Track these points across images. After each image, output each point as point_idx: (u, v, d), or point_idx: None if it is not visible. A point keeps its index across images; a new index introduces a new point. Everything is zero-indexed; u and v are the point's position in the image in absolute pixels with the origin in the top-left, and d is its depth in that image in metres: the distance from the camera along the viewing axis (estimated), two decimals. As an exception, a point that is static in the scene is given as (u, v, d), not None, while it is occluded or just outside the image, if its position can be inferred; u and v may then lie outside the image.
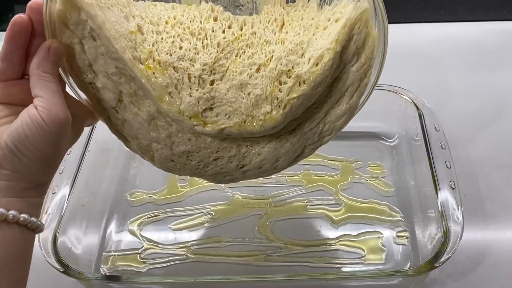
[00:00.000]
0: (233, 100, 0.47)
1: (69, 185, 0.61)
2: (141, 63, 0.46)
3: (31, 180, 0.42)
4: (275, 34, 0.48)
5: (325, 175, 0.69)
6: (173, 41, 0.46)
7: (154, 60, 0.46)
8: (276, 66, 0.46)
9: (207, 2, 0.49)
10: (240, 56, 0.47)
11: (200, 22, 0.47)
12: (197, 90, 0.47)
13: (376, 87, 0.70)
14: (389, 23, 0.46)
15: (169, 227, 0.65)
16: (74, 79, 0.46)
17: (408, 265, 0.59)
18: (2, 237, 0.40)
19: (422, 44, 0.89)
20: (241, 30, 0.48)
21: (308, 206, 0.66)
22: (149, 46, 0.46)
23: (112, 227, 0.65)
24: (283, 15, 0.48)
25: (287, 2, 0.49)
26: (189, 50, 0.46)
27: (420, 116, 0.67)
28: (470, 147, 0.72)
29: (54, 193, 0.60)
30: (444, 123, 0.67)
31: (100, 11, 0.44)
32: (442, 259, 0.52)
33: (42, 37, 0.43)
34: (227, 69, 0.47)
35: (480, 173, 0.69)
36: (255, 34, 0.48)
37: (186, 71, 0.46)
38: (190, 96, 0.47)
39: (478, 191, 0.67)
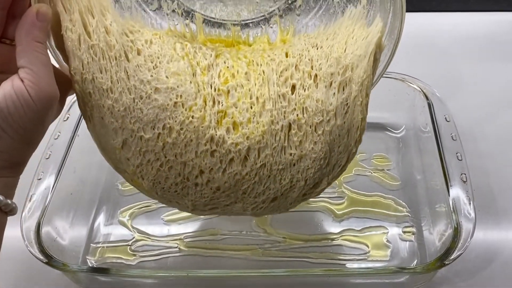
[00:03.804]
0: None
1: (56, 171, 0.58)
2: (127, 172, 0.44)
3: (9, 159, 0.38)
4: (285, 152, 0.43)
5: (328, 166, 0.66)
6: (158, 170, 0.43)
7: (139, 178, 0.44)
8: (301, 192, 0.45)
9: None
10: (249, 193, 0.44)
11: (196, 154, 0.42)
12: (193, 210, 0.46)
13: (382, 75, 0.67)
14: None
15: (162, 218, 0.61)
16: (58, 48, 0.43)
17: (415, 262, 0.56)
18: None
19: (431, 34, 0.86)
20: (246, 161, 0.43)
21: (309, 199, 0.63)
22: (133, 167, 0.43)
23: (101, 217, 0.62)
24: (285, 113, 0.43)
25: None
26: (176, 185, 0.43)
27: (430, 106, 0.63)
28: (480, 140, 0.69)
29: (40, 179, 0.57)
30: (453, 114, 0.63)
31: (90, 122, 0.42)
32: (452, 256, 0.49)
33: None
34: (232, 204, 0.45)
35: (491, 168, 0.66)
36: (264, 166, 0.43)
37: (173, 200, 0.45)
38: (187, 202, 0.46)
39: (489, 186, 0.64)
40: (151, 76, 0.42)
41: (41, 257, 0.51)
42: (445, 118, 0.61)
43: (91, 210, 0.62)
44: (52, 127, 0.47)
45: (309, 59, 0.44)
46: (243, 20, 0.49)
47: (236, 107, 0.43)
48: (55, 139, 0.60)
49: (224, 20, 0.49)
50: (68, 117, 0.63)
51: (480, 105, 0.74)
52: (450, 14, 0.89)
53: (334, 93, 0.43)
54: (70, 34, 0.40)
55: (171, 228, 0.60)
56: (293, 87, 0.44)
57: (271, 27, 0.49)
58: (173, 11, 0.48)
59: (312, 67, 0.43)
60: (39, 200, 0.55)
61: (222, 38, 0.49)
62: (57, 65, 0.44)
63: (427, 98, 0.64)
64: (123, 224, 0.61)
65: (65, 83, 0.42)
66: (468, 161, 0.57)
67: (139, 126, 0.42)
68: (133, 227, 0.60)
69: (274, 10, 0.48)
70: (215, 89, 0.43)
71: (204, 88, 0.43)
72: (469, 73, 0.80)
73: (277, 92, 0.43)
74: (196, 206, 0.45)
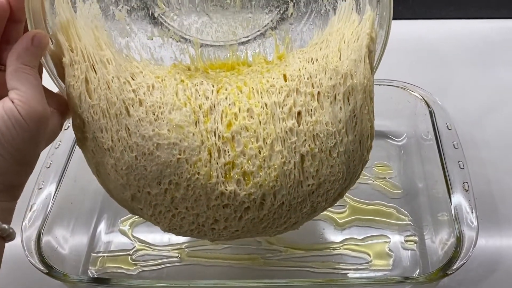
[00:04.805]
0: None
1: (56, 180, 0.58)
2: (143, 217, 0.45)
3: (4, 182, 0.38)
4: (302, 186, 0.43)
5: (329, 175, 0.66)
6: (171, 219, 0.43)
7: (155, 223, 0.45)
8: (322, 210, 0.46)
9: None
10: (270, 227, 0.45)
11: (207, 207, 0.42)
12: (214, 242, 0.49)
13: (383, 83, 0.67)
14: (397, 18, 0.44)
15: (163, 227, 0.61)
16: (58, 73, 0.43)
17: (417, 272, 0.55)
18: None
19: (432, 42, 0.86)
20: (262, 205, 0.42)
21: (310, 207, 0.62)
22: (147, 215, 0.44)
23: (102, 226, 0.61)
24: (296, 148, 0.42)
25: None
26: (192, 231, 0.44)
27: (431, 114, 0.63)
28: (481, 148, 0.69)
29: (40, 188, 0.57)
30: (454, 122, 0.63)
31: (99, 177, 0.43)
32: (455, 266, 0.49)
33: (22, 23, 0.39)
34: (254, 235, 0.46)
35: (492, 176, 0.65)
36: (283, 204, 0.43)
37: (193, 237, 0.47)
38: (207, 239, 0.47)
39: (491, 195, 0.63)
40: (153, 131, 0.41)
41: (41, 267, 0.50)
42: (447, 126, 0.61)
43: (91, 219, 0.62)
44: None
45: (308, 78, 0.43)
46: (239, 38, 0.49)
47: (244, 155, 0.41)
48: (56, 148, 0.60)
49: (222, 41, 0.48)
50: (68, 126, 0.63)
51: (482, 112, 0.74)
52: (451, 21, 0.89)
53: (340, 107, 0.42)
54: (72, 91, 0.40)
55: (172, 237, 0.60)
56: (299, 114, 0.42)
57: (267, 40, 0.49)
58: (171, 38, 0.48)
59: (313, 85, 0.42)
60: (40, 209, 0.55)
61: (221, 62, 0.48)
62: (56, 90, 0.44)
63: (428, 106, 0.64)
64: (123, 233, 0.61)
65: (60, 108, 0.42)
66: (470, 169, 0.57)
67: (145, 183, 0.41)
68: (134, 236, 0.60)
69: (268, 23, 0.48)
70: (219, 137, 0.42)
71: (208, 138, 0.41)
72: (470, 80, 0.80)
73: (283, 128, 0.42)
74: (217, 241, 0.46)
